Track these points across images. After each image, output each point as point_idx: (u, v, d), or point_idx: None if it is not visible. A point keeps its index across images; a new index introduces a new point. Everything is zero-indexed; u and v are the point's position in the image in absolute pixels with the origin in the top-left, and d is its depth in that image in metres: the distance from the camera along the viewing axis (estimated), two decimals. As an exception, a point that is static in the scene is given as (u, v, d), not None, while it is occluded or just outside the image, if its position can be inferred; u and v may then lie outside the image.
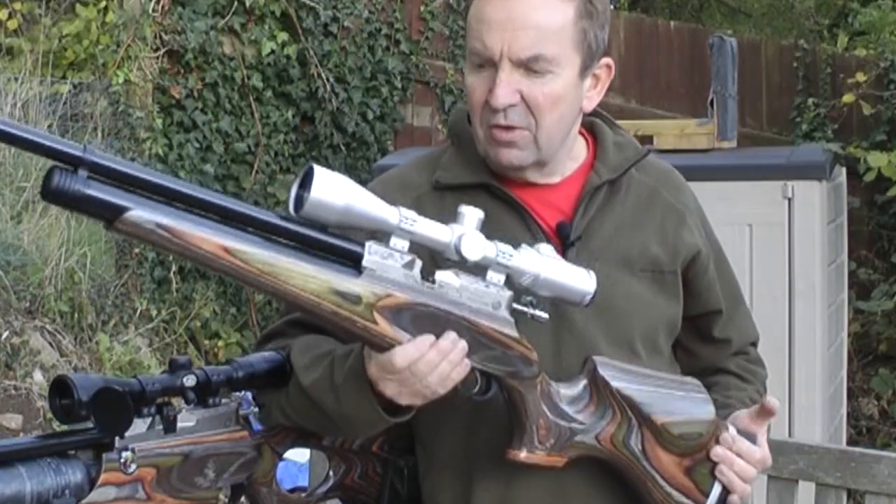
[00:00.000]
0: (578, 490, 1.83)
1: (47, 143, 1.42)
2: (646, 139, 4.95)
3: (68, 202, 1.43)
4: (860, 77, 6.92)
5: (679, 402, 1.84)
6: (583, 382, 1.79)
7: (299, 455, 2.00)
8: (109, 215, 1.45)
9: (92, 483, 1.53)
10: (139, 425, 1.60)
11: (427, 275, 1.65)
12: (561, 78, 1.79)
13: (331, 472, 1.85)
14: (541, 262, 1.70)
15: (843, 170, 5.50)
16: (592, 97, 1.88)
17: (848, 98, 6.88)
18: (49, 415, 5.26)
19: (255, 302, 7.24)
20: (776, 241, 4.67)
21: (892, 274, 6.88)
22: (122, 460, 1.55)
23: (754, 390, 2.03)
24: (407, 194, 1.89)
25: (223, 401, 1.70)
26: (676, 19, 9.77)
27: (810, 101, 7.16)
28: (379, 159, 7.13)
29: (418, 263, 1.64)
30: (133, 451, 1.56)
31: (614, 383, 1.80)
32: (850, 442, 5.96)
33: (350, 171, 7.80)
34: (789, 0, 10.90)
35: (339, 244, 1.59)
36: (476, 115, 1.82)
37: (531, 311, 1.73)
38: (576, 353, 1.84)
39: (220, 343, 6.92)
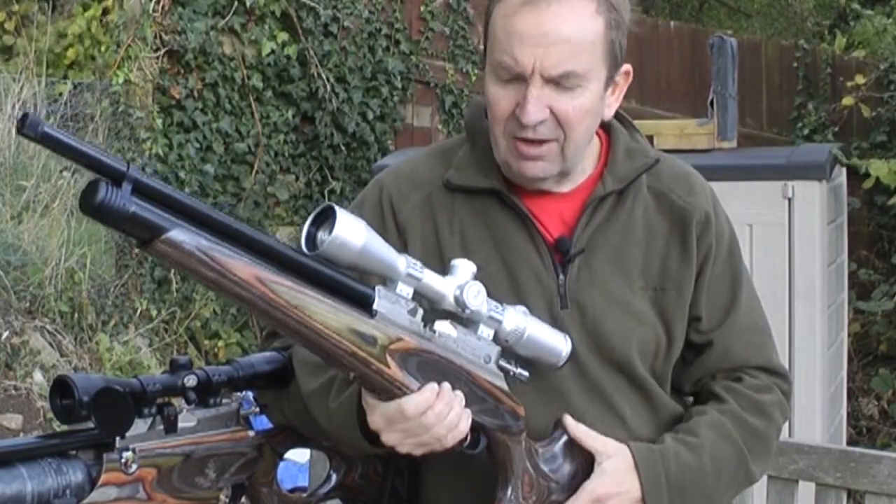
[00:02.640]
0: None
1: (93, 153, 1.40)
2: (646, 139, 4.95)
3: (111, 218, 1.40)
4: (860, 79, 6.93)
5: None
6: (560, 442, 1.79)
7: (300, 455, 2.00)
8: (149, 234, 1.43)
9: (93, 483, 1.53)
10: (140, 425, 1.60)
11: (427, 323, 1.66)
12: (589, 91, 1.77)
13: (331, 473, 1.85)
14: (526, 321, 1.72)
15: (843, 170, 5.51)
16: (612, 104, 1.86)
17: (847, 101, 6.88)
18: (49, 415, 5.27)
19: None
20: (776, 241, 4.67)
21: (892, 274, 6.88)
22: (123, 460, 1.55)
23: (718, 410, 1.87)
24: (418, 191, 1.88)
25: (224, 401, 1.71)
26: (676, 19, 9.78)
27: (810, 105, 7.17)
28: (379, 159, 7.13)
29: (420, 312, 1.65)
30: (134, 451, 1.56)
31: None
32: (850, 442, 5.96)
33: (350, 171, 7.81)
34: (790, 0, 10.90)
35: (353, 286, 1.60)
36: (499, 124, 1.79)
37: (514, 368, 1.74)
38: (569, 373, 1.82)
39: (220, 343, 6.92)
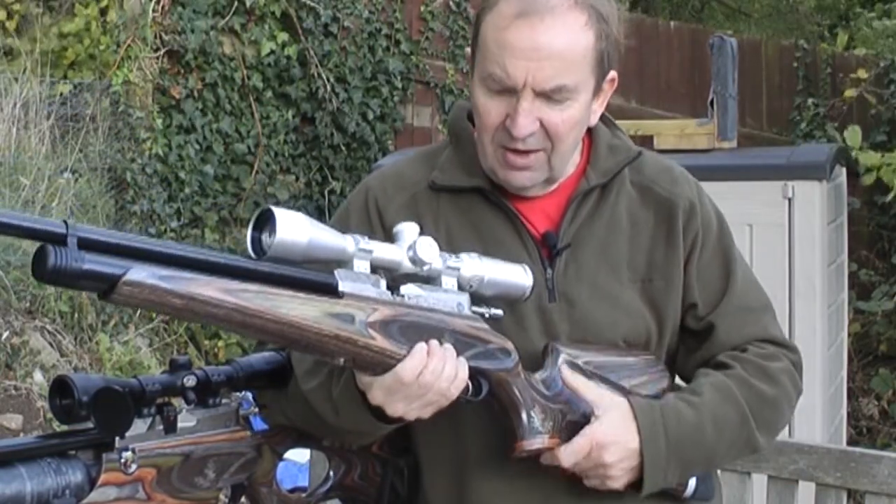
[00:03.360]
0: (568, 483, 1.82)
1: (28, 224, 1.40)
2: (646, 139, 4.96)
3: (66, 279, 1.40)
4: (861, 74, 6.92)
5: (636, 370, 1.86)
6: (553, 367, 1.80)
7: (299, 455, 2.00)
8: (108, 284, 1.43)
9: (92, 483, 1.53)
10: (139, 425, 1.60)
11: (393, 291, 1.68)
12: (578, 103, 1.79)
13: (331, 473, 1.85)
14: (483, 265, 1.74)
15: (843, 170, 5.51)
16: (596, 110, 1.88)
17: (849, 93, 6.87)
18: (49, 415, 5.26)
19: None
20: (776, 241, 4.67)
21: (892, 274, 6.88)
22: (123, 460, 1.55)
23: (724, 374, 1.85)
24: (403, 192, 1.90)
25: (223, 401, 1.71)
26: (676, 19, 9.78)
27: (810, 101, 7.17)
28: (379, 159, 7.13)
29: (383, 281, 1.66)
30: (133, 451, 1.56)
31: (581, 360, 1.81)
32: (850, 442, 5.97)
33: (350, 171, 7.81)
34: (790, 1, 10.90)
35: (313, 277, 1.60)
36: (488, 134, 1.81)
37: (488, 311, 1.76)
38: None
39: (220, 343, 6.92)
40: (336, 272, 1.62)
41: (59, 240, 1.40)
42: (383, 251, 1.66)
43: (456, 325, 1.70)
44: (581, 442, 1.75)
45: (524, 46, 1.74)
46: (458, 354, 1.67)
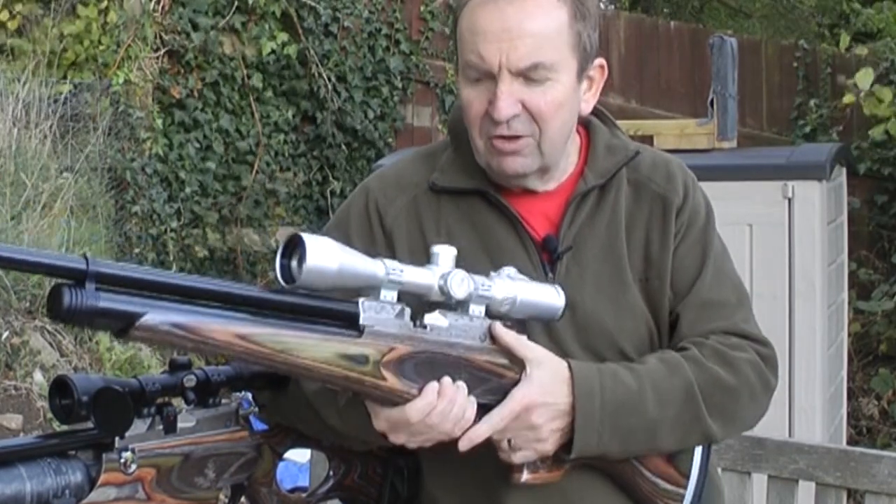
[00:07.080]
0: (573, 498, 1.82)
1: (48, 261, 1.41)
2: (646, 139, 4.96)
3: (82, 319, 1.41)
4: (860, 77, 6.92)
5: None
6: None
7: (299, 455, 2.00)
8: (123, 324, 1.44)
9: (92, 483, 1.53)
10: (139, 425, 1.60)
11: (416, 319, 1.66)
12: (560, 84, 1.77)
13: (331, 473, 1.85)
14: (515, 287, 1.72)
15: (843, 170, 5.51)
16: (588, 99, 1.87)
17: (848, 99, 6.88)
18: (49, 415, 5.26)
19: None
20: (776, 241, 4.67)
21: (892, 274, 6.88)
22: (123, 460, 1.55)
23: (679, 354, 1.80)
24: (404, 194, 1.89)
25: (223, 401, 1.71)
26: (676, 19, 9.78)
27: (811, 102, 7.17)
28: (380, 159, 7.14)
29: (407, 311, 1.65)
30: (133, 451, 1.56)
31: None
32: (850, 442, 5.97)
33: (351, 170, 7.81)
34: (791, 1, 10.90)
35: (334, 307, 1.60)
36: (475, 126, 1.80)
37: None
38: None
39: (221, 343, 6.91)
40: (360, 303, 1.61)
41: (79, 277, 1.41)
42: (414, 277, 1.64)
43: (474, 360, 1.69)
44: (508, 407, 1.68)
45: (494, 28, 1.73)
46: (471, 390, 1.66)
